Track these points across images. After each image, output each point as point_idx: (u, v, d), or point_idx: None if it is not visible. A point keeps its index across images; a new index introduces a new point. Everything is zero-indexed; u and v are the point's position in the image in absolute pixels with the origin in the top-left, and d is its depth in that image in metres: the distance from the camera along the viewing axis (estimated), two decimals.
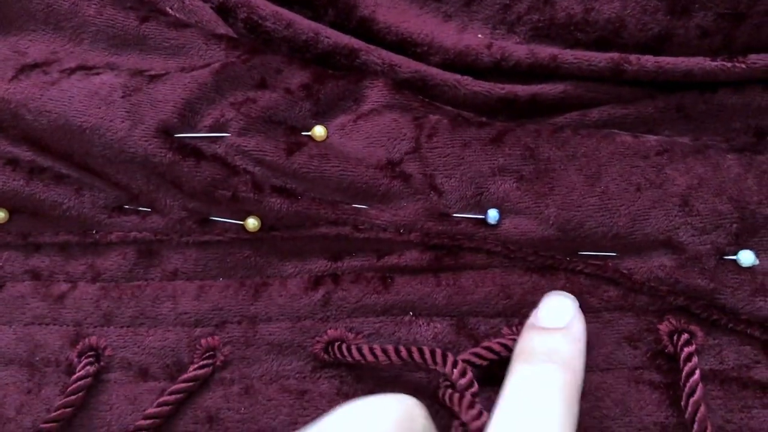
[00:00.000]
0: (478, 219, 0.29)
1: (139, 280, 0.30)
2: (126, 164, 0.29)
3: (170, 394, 0.29)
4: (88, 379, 0.29)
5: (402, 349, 0.28)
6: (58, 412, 0.29)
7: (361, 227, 0.29)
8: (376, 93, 0.30)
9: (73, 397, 0.29)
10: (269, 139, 0.29)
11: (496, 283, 0.29)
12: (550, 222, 0.28)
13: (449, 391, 0.26)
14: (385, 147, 0.29)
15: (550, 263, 0.29)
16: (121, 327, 0.30)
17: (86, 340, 0.30)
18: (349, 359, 0.28)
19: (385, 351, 0.28)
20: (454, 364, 0.27)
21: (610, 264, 0.28)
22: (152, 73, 0.30)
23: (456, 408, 0.25)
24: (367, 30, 0.32)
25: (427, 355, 0.27)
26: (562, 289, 0.28)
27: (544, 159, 0.29)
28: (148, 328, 0.30)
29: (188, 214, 0.30)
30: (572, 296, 0.27)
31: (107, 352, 0.30)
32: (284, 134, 0.29)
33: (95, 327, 0.30)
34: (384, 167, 0.29)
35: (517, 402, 0.23)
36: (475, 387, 0.26)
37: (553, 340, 0.25)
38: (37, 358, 0.30)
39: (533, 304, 0.28)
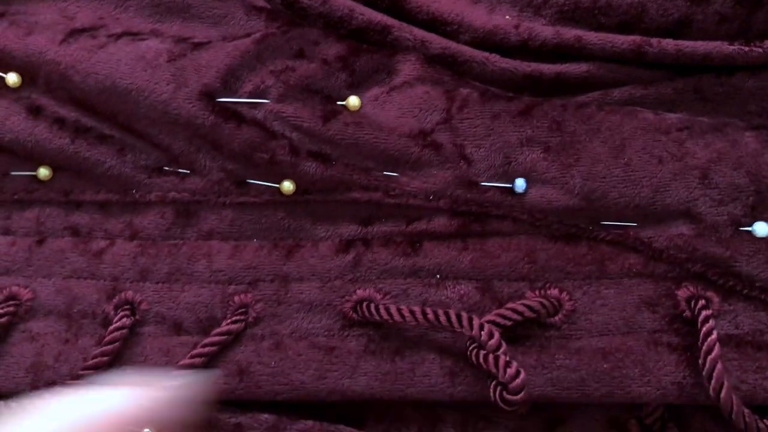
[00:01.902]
0: (506, 188, 0.30)
1: (175, 239, 0.32)
2: (169, 126, 0.31)
3: (204, 346, 0.30)
4: (124, 331, 0.30)
5: (428, 311, 0.29)
6: (95, 360, 0.30)
7: (392, 193, 0.31)
8: (408, 67, 0.32)
9: (109, 347, 0.30)
10: (306, 106, 0.31)
11: (522, 249, 0.30)
12: (575, 192, 0.29)
13: (481, 352, 0.27)
14: (417, 117, 0.31)
15: (574, 231, 0.30)
16: (157, 283, 0.31)
17: (122, 294, 0.31)
18: (377, 318, 0.29)
19: (412, 312, 0.29)
20: (481, 327, 0.28)
21: (631, 232, 0.29)
22: (195, 41, 0.32)
23: (492, 369, 0.26)
24: (399, 9, 0.33)
25: (453, 318, 0.28)
26: (584, 256, 0.30)
27: (570, 131, 0.30)
28: (183, 284, 0.31)
29: (226, 175, 0.31)
30: None
31: (142, 306, 0.31)
32: (320, 103, 0.31)
33: (131, 282, 0.31)
34: (416, 136, 0.30)
35: None
36: (504, 347, 0.27)
37: None
38: (75, 310, 0.31)
39: (557, 269, 0.30)
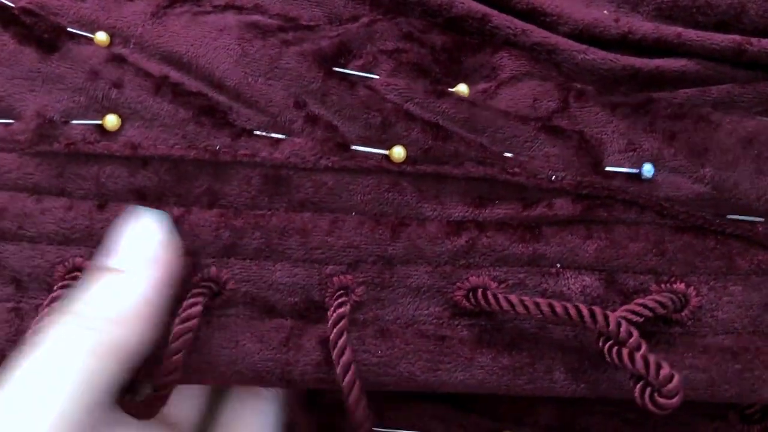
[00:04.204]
0: (632, 174, 0.28)
1: (262, 208, 0.28)
2: (273, 81, 0.28)
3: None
4: (199, 307, 0.26)
5: (556, 304, 0.26)
6: (179, 341, 0.26)
7: (510, 170, 0.28)
8: (514, 62, 0.30)
9: (189, 323, 0.26)
10: (417, 84, 0.29)
11: (650, 240, 0.28)
12: (706, 180, 0.28)
13: (624, 350, 0.25)
14: (532, 106, 0.29)
15: (701, 223, 0.28)
16: (244, 259, 0.28)
17: (206, 270, 0.27)
18: (495, 308, 0.27)
19: (537, 304, 0.26)
20: (618, 324, 0.26)
21: (759, 228, 0.28)
22: (303, 22, 0.30)
23: (641, 370, 0.24)
24: None
25: (585, 313, 0.26)
26: (713, 250, 0.28)
27: (693, 121, 0.29)
28: (274, 262, 0.28)
29: (331, 135, 0.28)
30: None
31: (230, 286, 0.27)
32: (431, 84, 0.29)
33: (214, 258, 0.28)
34: (533, 119, 0.29)
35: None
36: (645, 346, 0.25)
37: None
38: None
39: (684, 262, 0.28)
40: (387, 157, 0.28)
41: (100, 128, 0.28)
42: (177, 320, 0.26)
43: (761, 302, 0.28)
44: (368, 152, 0.28)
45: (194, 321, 0.27)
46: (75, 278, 0.27)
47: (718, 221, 0.28)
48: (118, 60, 0.28)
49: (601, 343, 0.26)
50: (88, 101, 0.28)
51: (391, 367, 0.27)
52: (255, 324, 0.27)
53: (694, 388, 0.28)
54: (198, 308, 0.27)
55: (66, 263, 0.27)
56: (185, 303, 0.27)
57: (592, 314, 0.26)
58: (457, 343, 0.28)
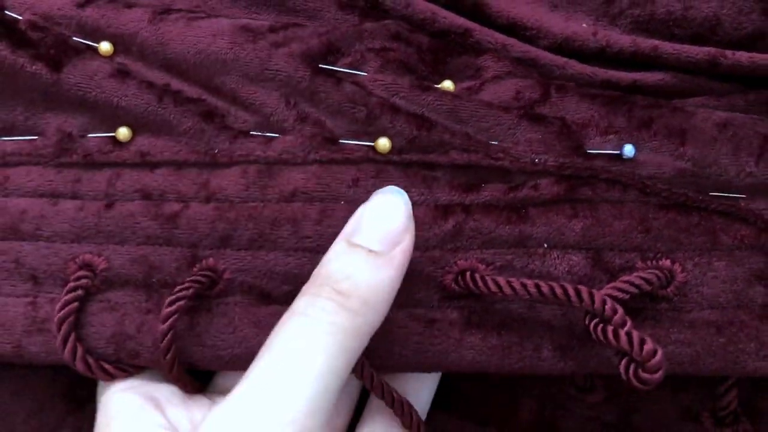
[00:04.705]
0: (614, 155, 0.29)
1: (254, 201, 0.29)
2: (265, 83, 0.29)
3: None
4: (191, 291, 0.28)
5: (543, 284, 0.27)
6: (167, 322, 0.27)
7: (494, 156, 0.29)
8: (497, 63, 0.31)
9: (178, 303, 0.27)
10: (404, 79, 0.30)
11: (634, 217, 0.29)
12: (686, 158, 0.29)
13: (609, 327, 0.26)
14: (514, 98, 0.30)
15: (684, 200, 0.29)
16: (239, 250, 0.29)
17: (203, 261, 0.29)
18: (483, 290, 0.28)
19: (524, 285, 0.27)
20: (603, 302, 0.26)
21: (742, 204, 0.29)
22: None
23: (625, 346, 0.25)
24: (479, 13, 0.32)
25: (571, 293, 0.27)
26: (697, 225, 0.29)
27: (670, 109, 0.30)
28: (267, 251, 0.29)
29: (320, 130, 0.29)
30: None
31: (226, 275, 0.28)
32: (417, 79, 0.30)
33: (211, 249, 0.29)
34: (515, 108, 0.30)
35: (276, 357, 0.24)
36: (630, 322, 0.26)
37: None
38: (154, 280, 0.29)
39: (670, 239, 0.29)
40: (373, 148, 0.29)
41: (114, 140, 0.30)
42: (166, 303, 0.28)
43: (745, 277, 0.29)
44: (355, 144, 0.29)
45: (182, 303, 0.28)
46: (86, 274, 0.28)
47: (701, 198, 0.29)
48: (123, 73, 0.30)
49: (587, 321, 0.27)
50: (101, 116, 0.30)
51: (384, 350, 0.28)
52: (252, 311, 0.28)
53: (679, 363, 0.28)
54: (190, 291, 0.28)
55: (77, 260, 0.29)
56: (177, 288, 0.28)
57: (578, 293, 0.27)
58: (447, 325, 0.28)
